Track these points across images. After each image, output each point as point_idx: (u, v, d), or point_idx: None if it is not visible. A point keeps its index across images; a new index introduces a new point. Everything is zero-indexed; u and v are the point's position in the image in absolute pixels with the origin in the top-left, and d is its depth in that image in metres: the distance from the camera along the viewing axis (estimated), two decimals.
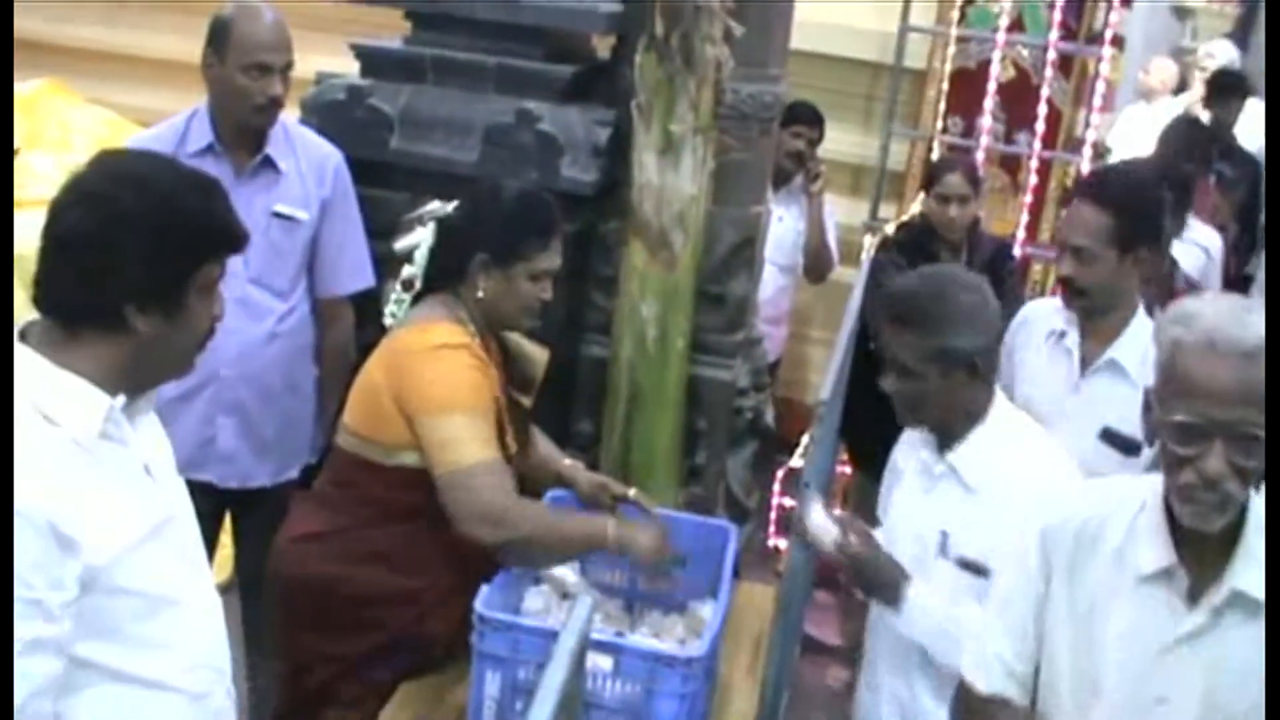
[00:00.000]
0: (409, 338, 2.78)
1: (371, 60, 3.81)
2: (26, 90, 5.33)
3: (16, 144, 4.89)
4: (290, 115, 3.61)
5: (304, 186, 3.37)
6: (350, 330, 3.49)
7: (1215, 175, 5.97)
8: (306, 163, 3.38)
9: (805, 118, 5.06)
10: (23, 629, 1.69)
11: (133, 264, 1.82)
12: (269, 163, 3.32)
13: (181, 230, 1.86)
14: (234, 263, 3.03)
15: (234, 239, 1.96)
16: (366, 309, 3.19)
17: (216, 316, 1.97)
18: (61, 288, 1.85)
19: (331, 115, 3.66)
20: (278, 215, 3.33)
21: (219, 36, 3.22)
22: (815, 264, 5.44)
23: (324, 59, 4.11)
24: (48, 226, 1.84)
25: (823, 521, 2.71)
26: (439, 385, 2.69)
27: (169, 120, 3.42)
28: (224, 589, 2.22)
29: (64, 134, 4.87)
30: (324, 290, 3.48)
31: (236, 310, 3.23)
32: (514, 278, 2.79)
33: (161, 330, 1.87)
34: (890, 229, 5.53)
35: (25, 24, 6.77)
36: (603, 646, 2.46)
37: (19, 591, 1.69)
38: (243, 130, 3.29)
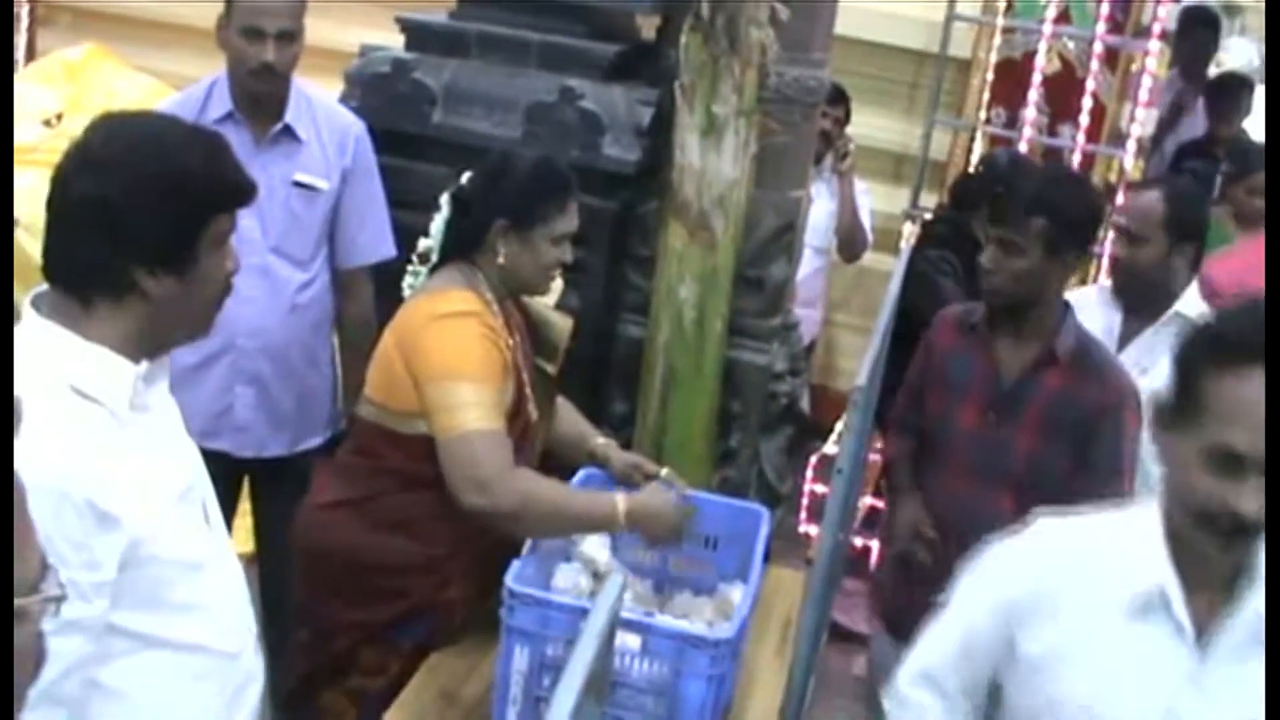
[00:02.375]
0: (421, 305, 2.79)
1: (416, 34, 3.81)
2: (73, 56, 5.36)
3: (58, 109, 4.92)
4: (326, 85, 3.63)
5: (325, 156, 3.37)
6: (370, 301, 3.50)
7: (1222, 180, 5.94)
8: (328, 132, 3.39)
9: (830, 97, 5.03)
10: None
11: (139, 227, 1.81)
12: (289, 131, 3.33)
13: (187, 188, 1.84)
14: (253, 231, 3.03)
15: (241, 192, 1.94)
16: (387, 282, 3.19)
17: (231, 272, 1.95)
18: (70, 257, 1.84)
19: (375, 88, 3.66)
20: (298, 184, 3.33)
21: None
22: (848, 242, 5.44)
23: (370, 32, 4.12)
24: (51, 196, 1.83)
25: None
26: (445, 351, 2.69)
27: (192, 87, 3.44)
28: (246, 561, 2.22)
29: (108, 100, 4.89)
30: (344, 260, 3.49)
31: (256, 280, 3.25)
32: (534, 241, 2.80)
33: (175, 290, 1.85)
34: (928, 217, 5.52)
35: None
36: (631, 626, 2.46)
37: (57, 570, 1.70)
38: (253, 96, 3.29)
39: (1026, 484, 3.02)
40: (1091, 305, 3.47)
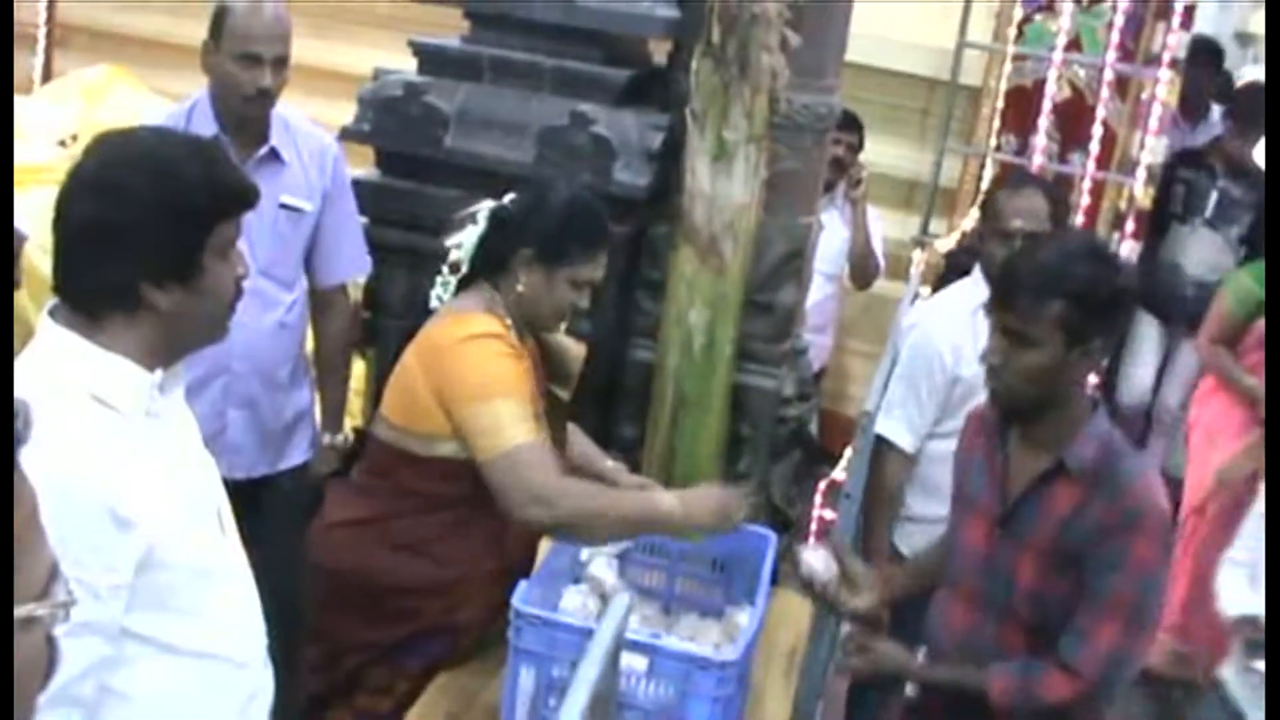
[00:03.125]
0: (444, 329, 2.80)
1: (429, 58, 3.83)
2: (89, 77, 5.40)
3: (74, 130, 4.96)
4: (339, 108, 3.66)
5: (306, 177, 3.41)
6: (348, 317, 3.56)
7: (1219, 193, 5.83)
8: (308, 153, 3.42)
9: (842, 123, 5.02)
10: (73, 611, 1.71)
11: (141, 243, 1.82)
12: (274, 154, 3.35)
13: (187, 201, 1.85)
14: (244, 253, 3.07)
15: (242, 196, 1.95)
16: (415, 299, 3.21)
17: (240, 276, 1.96)
18: (78, 278, 1.86)
19: (387, 111, 3.69)
20: (284, 206, 3.36)
21: (217, 23, 3.24)
22: (861, 269, 5.45)
23: (383, 55, 4.15)
24: (55, 218, 1.85)
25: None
26: (475, 373, 2.70)
27: (173, 108, 3.47)
28: None
29: (123, 121, 4.90)
30: (324, 279, 3.54)
31: (248, 303, 3.23)
32: (555, 279, 2.81)
33: (184, 301, 1.87)
34: (941, 245, 5.53)
35: (92, 13, 6.89)
36: (638, 647, 2.46)
37: (71, 572, 1.71)
38: (241, 120, 3.30)
39: (1033, 623, 2.59)
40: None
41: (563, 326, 3.07)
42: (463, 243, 2.87)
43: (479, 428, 2.68)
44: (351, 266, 3.57)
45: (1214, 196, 5.78)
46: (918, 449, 3.61)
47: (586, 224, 2.85)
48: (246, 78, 3.22)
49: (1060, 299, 2.44)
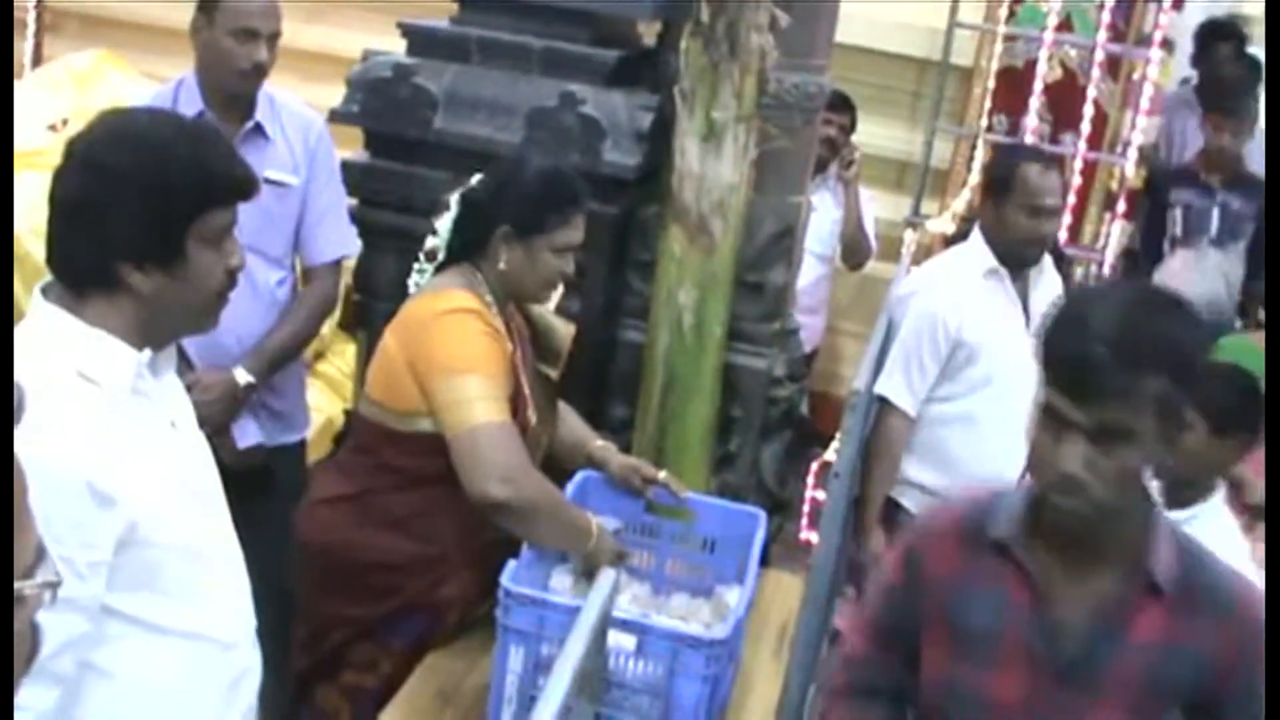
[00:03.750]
0: (422, 304, 2.81)
1: (418, 39, 3.82)
2: (80, 62, 5.39)
3: (65, 115, 4.95)
4: (329, 90, 3.66)
5: (291, 152, 3.42)
6: (325, 295, 3.54)
7: (1219, 209, 5.40)
8: (293, 129, 3.44)
9: (835, 104, 5.01)
10: None
11: (123, 223, 1.82)
12: (259, 129, 3.37)
13: (170, 184, 1.84)
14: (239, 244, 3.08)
15: (234, 185, 1.94)
16: (405, 281, 3.21)
17: (235, 267, 1.95)
18: (62, 254, 1.87)
19: (376, 92, 3.68)
20: (269, 181, 3.34)
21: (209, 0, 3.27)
22: (853, 250, 5.46)
23: (372, 37, 4.14)
24: (49, 194, 1.86)
25: None
26: (448, 348, 2.71)
27: (160, 88, 3.47)
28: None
29: (115, 106, 4.92)
30: (310, 257, 3.54)
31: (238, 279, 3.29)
32: (536, 250, 2.82)
33: (166, 286, 1.86)
34: (935, 225, 5.53)
35: None
36: (627, 626, 2.47)
37: (51, 549, 1.71)
38: (230, 96, 3.33)
39: None
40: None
41: (553, 302, 3.07)
42: (437, 230, 2.89)
43: (446, 402, 2.68)
44: (338, 246, 3.56)
45: (1216, 214, 5.39)
46: (917, 412, 3.65)
47: (557, 191, 2.86)
48: (242, 53, 3.24)
49: (1159, 373, 1.82)
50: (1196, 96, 5.84)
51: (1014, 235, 3.63)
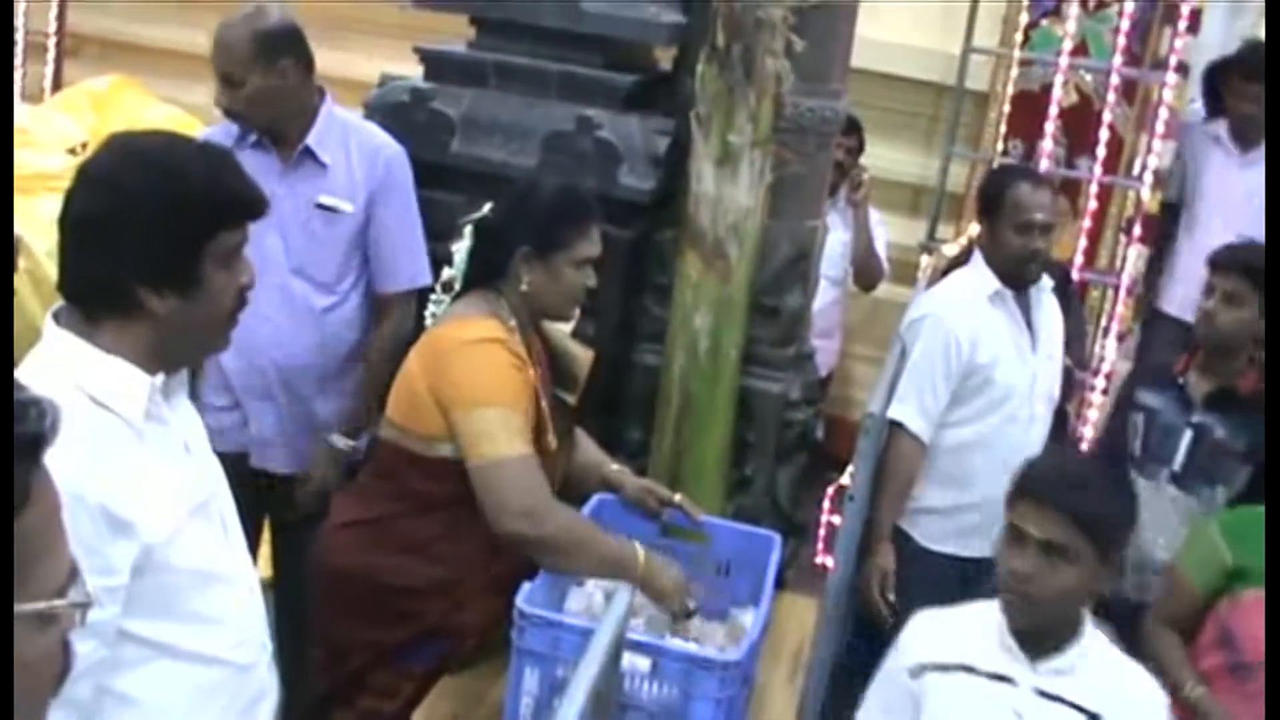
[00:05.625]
0: (447, 332, 2.82)
1: (435, 64, 3.85)
2: (99, 86, 5.43)
3: (84, 138, 4.98)
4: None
5: (351, 178, 3.41)
6: (400, 326, 3.47)
7: (1194, 432, 3.72)
8: (359, 156, 3.43)
9: (843, 127, 5.01)
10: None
11: (138, 244, 1.82)
12: (310, 154, 3.39)
13: (186, 206, 1.84)
14: (276, 250, 3.09)
15: (247, 205, 1.93)
16: (424, 303, 3.23)
17: (245, 286, 1.94)
18: (76, 275, 1.86)
19: (394, 117, 3.71)
20: (320, 206, 3.38)
21: None
22: (864, 272, 5.46)
23: (391, 63, 4.16)
24: (60, 215, 1.85)
25: None
26: (474, 378, 2.71)
27: (213, 129, 3.53)
28: (265, 587, 2.24)
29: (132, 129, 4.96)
30: (380, 286, 3.52)
31: (276, 299, 3.32)
32: (557, 266, 2.83)
33: (180, 307, 1.86)
34: (948, 250, 5.52)
35: (102, 23, 6.93)
36: (641, 648, 2.47)
37: None
38: (263, 129, 3.39)
39: None
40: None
41: (571, 326, 3.08)
42: (454, 260, 2.90)
43: (470, 433, 2.69)
44: (409, 276, 3.50)
45: (1186, 438, 3.66)
46: (931, 437, 3.63)
47: (571, 206, 2.88)
48: (220, 98, 3.33)
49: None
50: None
51: (1008, 254, 3.63)
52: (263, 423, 3.49)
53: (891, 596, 3.55)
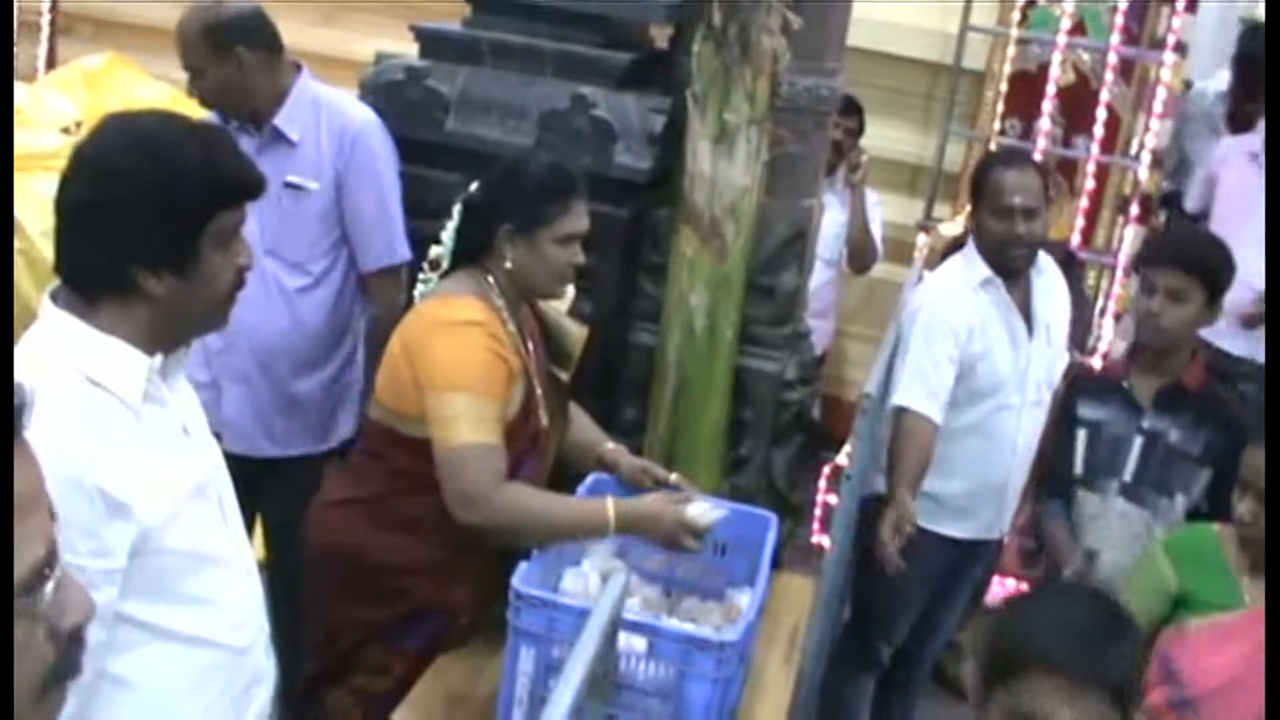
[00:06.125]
0: (429, 310, 2.82)
1: (430, 42, 3.83)
2: (93, 65, 5.40)
3: (78, 117, 4.96)
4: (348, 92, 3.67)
5: (319, 156, 3.42)
6: (394, 302, 3.46)
7: (1144, 439, 3.48)
8: (327, 133, 3.43)
9: (842, 108, 4.96)
10: None
11: (136, 227, 1.81)
12: (278, 134, 3.40)
13: (181, 186, 1.84)
14: (252, 231, 3.12)
15: (244, 185, 1.93)
16: (411, 283, 3.22)
17: (243, 266, 1.95)
18: (74, 258, 1.86)
19: (389, 95, 3.69)
20: (288, 185, 3.39)
21: None
22: (858, 254, 5.45)
23: (386, 41, 4.15)
24: (56, 199, 1.85)
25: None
26: (447, 361, 2.70)
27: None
28: (261, 567, 2.24)
29: (127, 108, 4.93)
30: (361, 264, 3.53)
31: (250, 278, 3.29)
32: (540, 243, 2.82)
33: (179, 288, 1.86)
34: (945, 230, 5.52)
35: (95, 1, 6.88)
36: (637, 628, 2.47)
37: (64, 557, 1.71)
38: (231, 112, 3.43)
39: None
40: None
41: (566, 304, 3.07)
42: (441, 239, 2.89)
43: (434, 415, 2.69)
44: (386, 253, 3.51)
45: (1137, 445, 3.52)
46: (942, 418, 3.55)
47: (553, 181, 2.86)
48: (189, 87, 3.41)
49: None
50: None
51: (992, 239, 3.58)
52: (233, 405, 3.48)
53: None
